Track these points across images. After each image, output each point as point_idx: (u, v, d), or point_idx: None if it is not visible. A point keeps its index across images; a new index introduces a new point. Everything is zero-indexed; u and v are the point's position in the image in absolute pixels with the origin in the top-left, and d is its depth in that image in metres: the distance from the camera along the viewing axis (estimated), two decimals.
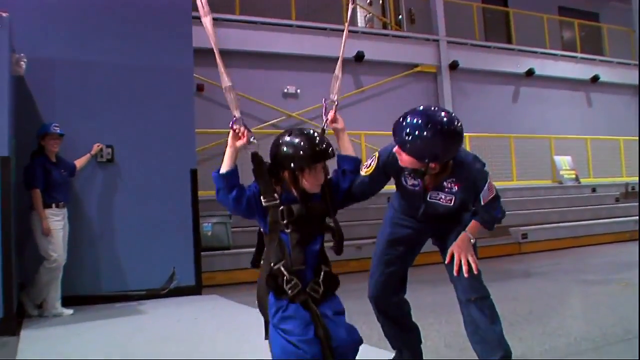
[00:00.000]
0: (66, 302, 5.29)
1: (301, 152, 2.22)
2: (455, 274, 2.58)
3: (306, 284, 2.26)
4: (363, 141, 10.43)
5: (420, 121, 2.33)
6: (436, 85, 12.78)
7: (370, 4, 14.13)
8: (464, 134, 2.47)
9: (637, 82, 15.38)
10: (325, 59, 10.03)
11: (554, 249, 9.38)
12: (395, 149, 2.44)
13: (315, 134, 2.31)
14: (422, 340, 2.95)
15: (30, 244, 5.20)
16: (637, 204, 11.78)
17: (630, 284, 5.48)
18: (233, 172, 2.31)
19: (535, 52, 14.16)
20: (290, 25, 11.21)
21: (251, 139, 2.32)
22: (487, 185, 2.54)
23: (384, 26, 13.52)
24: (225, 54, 2.37)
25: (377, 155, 2.63)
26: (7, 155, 4.67)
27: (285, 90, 11.26)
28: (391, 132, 2.42)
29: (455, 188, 2.55)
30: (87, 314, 5.20)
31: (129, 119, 6.05)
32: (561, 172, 12.96)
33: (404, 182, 2.64)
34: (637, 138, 13.93)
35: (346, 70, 2.55)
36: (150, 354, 3.73)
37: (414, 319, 2.92)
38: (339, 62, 2.58)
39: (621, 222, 10.77)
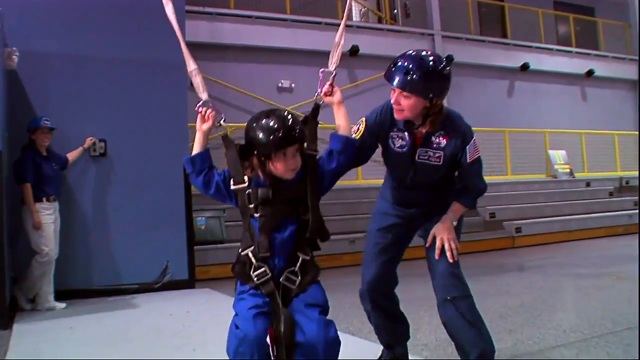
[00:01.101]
0: (59, 295, 5.30)
1: (263, 139, 2.09)
2: (436, 257, 2.51)
3: (278, 273, 2.14)
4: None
5: (418, 58, 2.36)
6: None
7: None
8: None
9: (631, 77, 15.43)
10: (320, 53, 9.91)
11: (547, 243, 9.43)
12: (394, 97, 2.39)
13: (287, 115, 2.16)
14: (412, 334, 2.95)
15: (23, 238, 5.20)
16: (632, 198, 11.85)
17: (621, 277, 5.52)
18: (201, 156, 2.23)
19: (530, 47, 14.18)
20: (285, 20, 11.19)
21: (220, 122, 2.27)
22: (473, 141, 2.52)
23: (379, 20, 13.51)
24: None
25: (363, 119, 2.61)
26: None
27: (280, 85, 11.27)
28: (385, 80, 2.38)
29: (444, 142, 2.50)
30: (79, 307, 5.20)
31: (122, 113, 6.04)
32: (555, 167, 13.00)
33: (391, 145, 2.58)
34: (632, 132, 14.01)
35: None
36: (142, 347, 3.74)
37: (405, 312, 2.89)
38: (341, 28, 2.39)
39: (615, 216, 10.85)
